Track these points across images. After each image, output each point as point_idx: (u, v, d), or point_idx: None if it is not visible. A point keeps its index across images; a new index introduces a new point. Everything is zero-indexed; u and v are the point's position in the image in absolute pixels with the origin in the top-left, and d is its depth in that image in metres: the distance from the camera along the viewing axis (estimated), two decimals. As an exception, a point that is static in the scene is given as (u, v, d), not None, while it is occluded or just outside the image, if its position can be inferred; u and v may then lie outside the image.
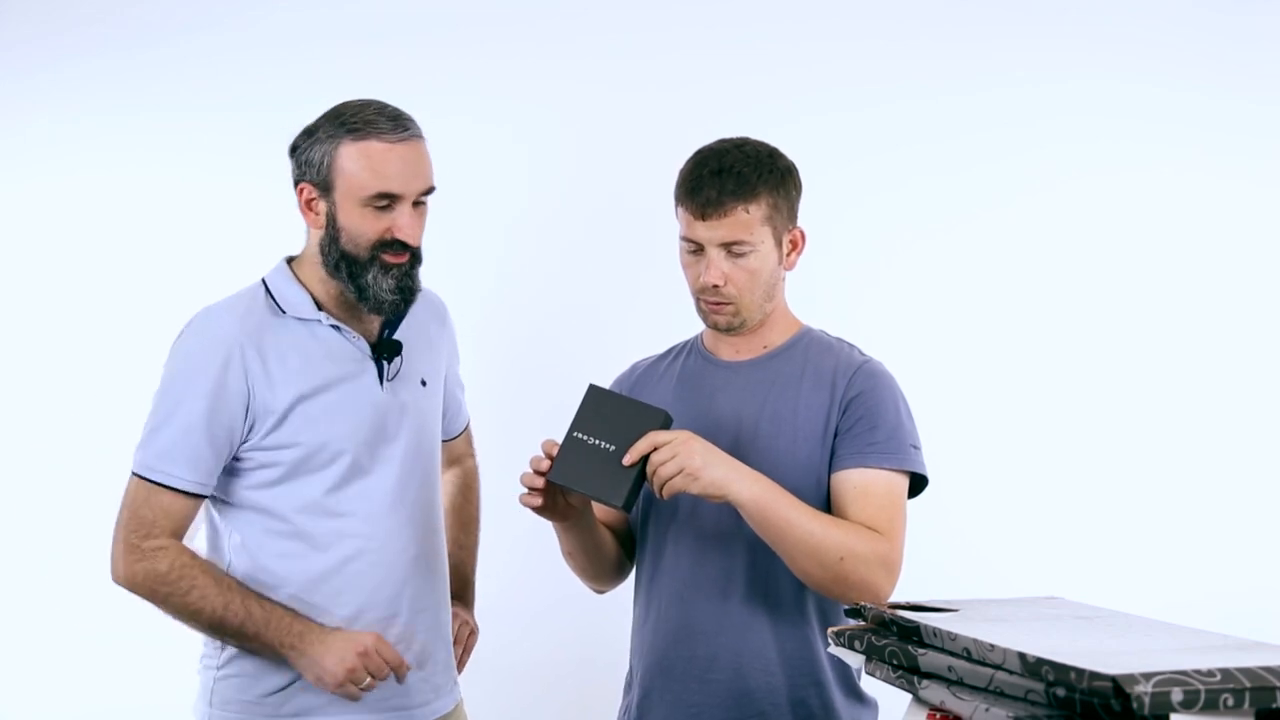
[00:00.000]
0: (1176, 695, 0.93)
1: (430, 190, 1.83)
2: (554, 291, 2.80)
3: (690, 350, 1.92)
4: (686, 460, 1.63)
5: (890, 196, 2.78)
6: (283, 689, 1.82)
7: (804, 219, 1.85)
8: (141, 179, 2.84)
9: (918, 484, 1.80)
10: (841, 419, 1.77)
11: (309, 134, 1.82)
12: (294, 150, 1.83)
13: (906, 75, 2.77)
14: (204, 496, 1.82)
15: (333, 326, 1.84)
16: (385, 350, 1.87)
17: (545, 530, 1.83)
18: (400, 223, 1.79)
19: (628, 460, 1.64)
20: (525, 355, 2.77)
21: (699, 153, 1.81)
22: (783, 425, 1.78)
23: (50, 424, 2.82)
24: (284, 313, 1.83)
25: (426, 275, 1.89)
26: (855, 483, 1.74)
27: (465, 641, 2.08)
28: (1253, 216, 2.78)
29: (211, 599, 1.76)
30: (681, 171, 1.80)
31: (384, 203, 1.78)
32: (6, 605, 2.82)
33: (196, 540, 1.87)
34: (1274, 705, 0.96)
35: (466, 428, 2.17)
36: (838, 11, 2.79)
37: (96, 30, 2.86)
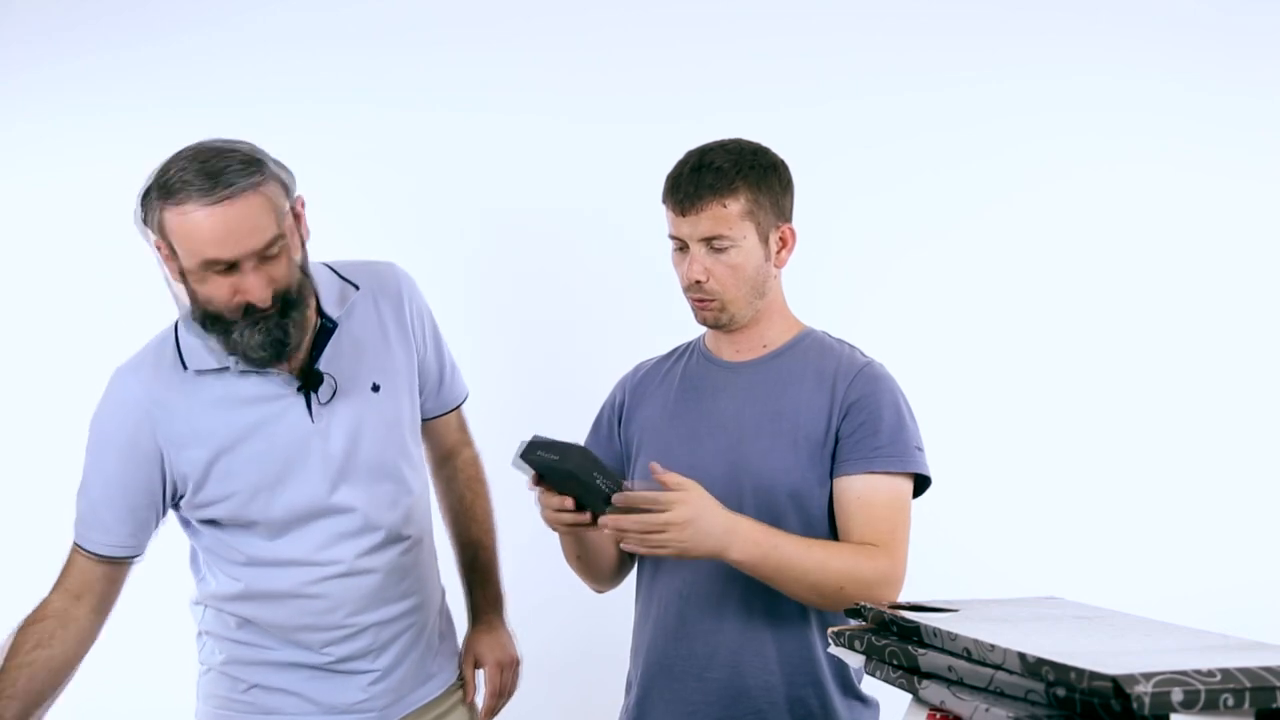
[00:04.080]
0: (1177, 695, 0.93)
1: (271, 244, 1.65)
2: (556, 291, 2.80)
3: (692, 351, 1.93)
4: (673, 544, 1.61)
5: (889, 194, 2.77)
6: (252, 688, 1.85)
7: (805, 214, 1.84)
8: (137, 178, 2.83)
9: (922, 482, 1.80)
10: (843, 423, 1.77)
11: (145, 194, 1.68)
12: (138, 205, 1.70)
13: (908, 70, 2.77)
14: (128, 558, 1.81)
15: (243, 373, 1.76)
16: (307, 382, 1.78)
17: (546, 528, 1.83)
18: (245, 286, 1.65)
19: (620, 501, 1.59)
20: (528, 356, 2.76)
21: (686, 153, 1.82)
22: (784, 426, 1.78)
23: (45, 423, 2.82)
24: (187, 368, 1.77)
25: (420, 269, 1.87)
26: (859, 491, 1.74)
27: (502, 683, 2.02)
28: (1254, 215, 2.78)
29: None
30: (668, 172, 1.81)
31: (220, 267, 1.64)
32: (6, 605, 2.82)
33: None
34: (1274, 705, 0.96)
35: (457, 409, 2.05)
36: (841, 9, 2.79)
37: (95, 30, 2.86)
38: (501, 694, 2.02)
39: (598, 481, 1.60)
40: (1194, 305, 2.76)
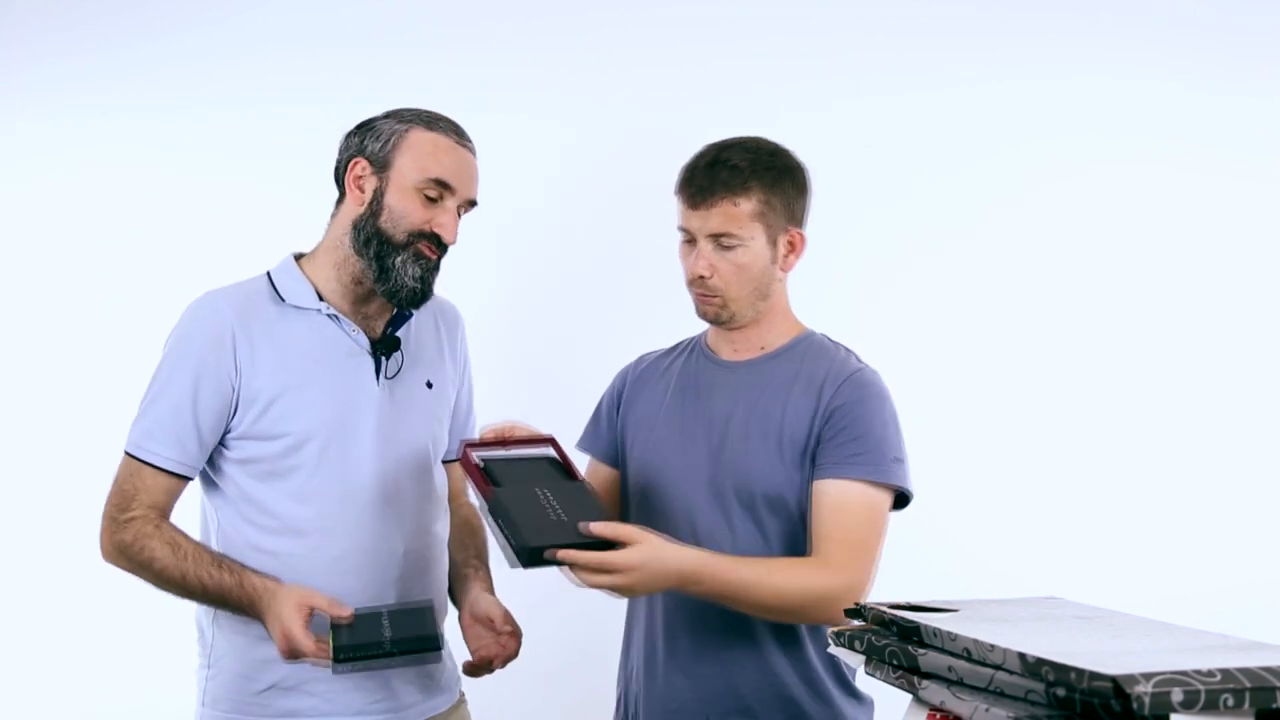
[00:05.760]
0: (1177, 695, 0.92)
1: (473, 204, 1.87)
2: (553, 291, 2.80)
3: (694, 347, 1.93)
4: (619, 593, 1.61)
5: (889, 194, 2.77)
6: (268, 689, 1.83)
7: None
8: (135, 178, 2.84)
9: (906, 494, 1.77)
10: (825, 427, 1.76)
11: (371, 122, 1.86)
12: (350, 134, 1.86)
13: (908, 70, 2.77)
14: (188, 478, 1.83)
15: (331, 316, 1.85)
16: (383, 346, 1.88)
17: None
18: (443, 220, 1.82)
19: (585, 529, 1.59)
20: (524, 355, 2.76)
21: (706, 146, 1.81)
22: (769, 427, 1.78)
23: (45, 423, 2.82)
24: (283, 300, 1.85)
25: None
26: (832, 496, 1.72)
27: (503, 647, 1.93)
28: (1254, 216, 2.78)
29: (170, 570, 1.77)
30: (685, 162, 1.80)
31: (435, 193, 1.81)
32: (5, 605, 2.82)
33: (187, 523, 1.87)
34: (1274, 705, 0.96)
35: None
36: (841, 9, 2.79)
37: (95, 30, 2.86)
38: (515, 635, 1.92)
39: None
40: (1194, 305, 2.76)
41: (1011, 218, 2.77)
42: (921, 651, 1.13)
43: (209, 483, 1.87)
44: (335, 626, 1.71)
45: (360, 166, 1.84)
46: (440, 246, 1.84)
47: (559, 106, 2.76)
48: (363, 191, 1.83)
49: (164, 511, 1.82)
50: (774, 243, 1.79)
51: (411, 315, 1.92)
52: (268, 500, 1.82)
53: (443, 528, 1.99)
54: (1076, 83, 2.75)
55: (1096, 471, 2.74)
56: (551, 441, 1.80)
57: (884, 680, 1.18)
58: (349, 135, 1.87)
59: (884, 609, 1.20)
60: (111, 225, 2.83)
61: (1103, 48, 2.76)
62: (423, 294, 1.85)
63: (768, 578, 1.66)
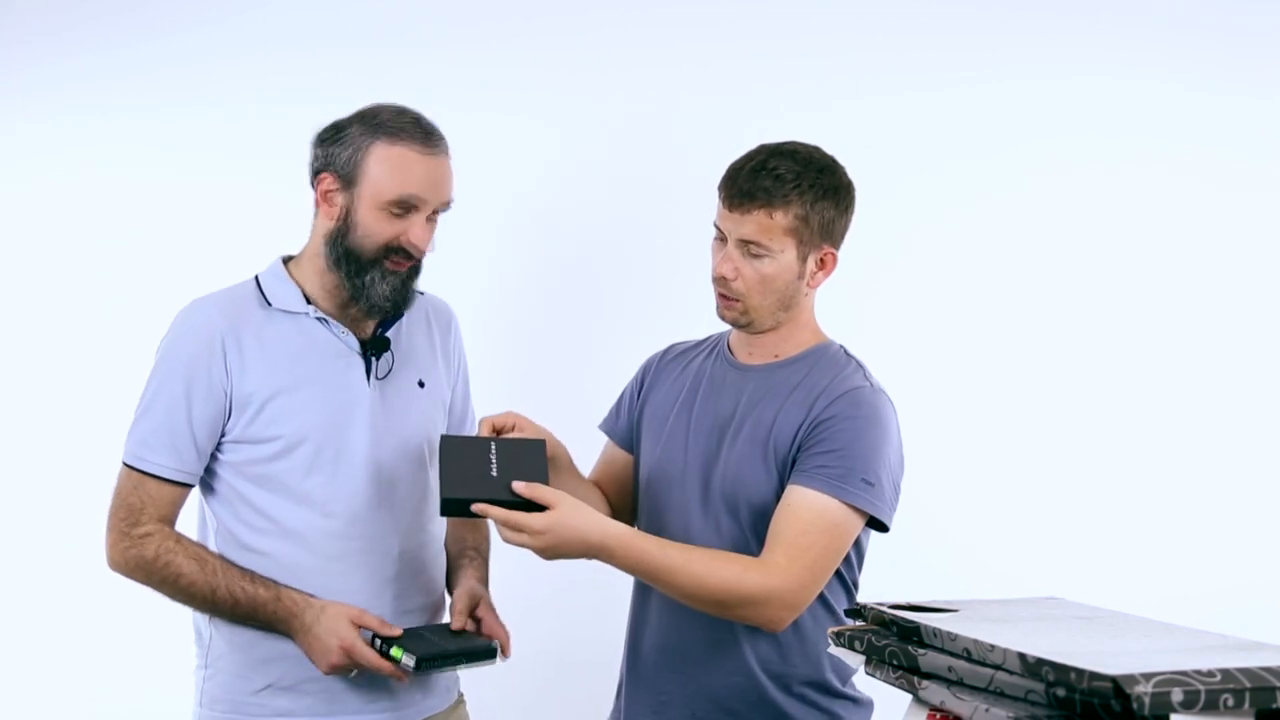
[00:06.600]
0: (1177, 695, 0.92)
1: (448, 206, 1.85)
2: (553, 291, 2.80)
3: (717, 346, 1.94)
4: (530, 550, 1.63)
5: (889, 194, 2.76)
6: (265, 688, 1.83)
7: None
8: (135, 178, 2.84)
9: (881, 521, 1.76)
10: (807, 437, 1.74)
11: (339, 129, 1.83)
12: (320, 140, 1.84)
13: (908, 70, 2.76)
14: (189, 484, 1.83)
15: (320, 319, 1.85)
16: (373, 347, 1.87)
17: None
18: (413, 232, 1.80)
19: (518, 489, 1.62)
20: (521, 356, 2.76)
21: (760, 146, 1.79)
22: (759, 433, 1.78)
23: (46, 423, 2.82)
24: (270, 305, 1.85)
25: (431, 278, 1.89)
26: (791, 499, 1.71)
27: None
28: (1253, 216, 2.77)
29: (199, 585, 1.78)
30: (732, 160, 1.79)
31: (401, 210, 1.79)
32: (4, 606, 2.82)
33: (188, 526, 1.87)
34: (1274, 705, 0.96)
35: None
36: (841, 9, 2.78)
37: (95, 30, 2.86)
38: (480, 622, 1.94)
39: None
40: (1193, 306, 2.76)
41: (1012, 218, 2.77)
42: (921, 652, 1.13)
43: (205, 485, 1.87)
44: (395, 640, 1.76)
45: (329, 181, 1.82)
46: (413, 256, 1.83)
47: (558, 106, 2.76)
48: (333, 206, 1.82)
49: (172, 521, 1.83)
50: (804, 259, 1.77)
51: (402, 315, 1.91)
52: (262, 502, 1.82)
53: (438, 527, 1.99)
54: (1076, 83, 2.75)
55: (1096, 471, 2.73)
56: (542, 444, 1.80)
57: (884, 680, 1.18)
58: (320, 138, 1.84)
59: (884, 609, 1.20)
60: (111, 225, 2.83)
61: (1103, 48, 2.75)
62: (395, 308, 1.84)
63: (687, 566, 1.65)
